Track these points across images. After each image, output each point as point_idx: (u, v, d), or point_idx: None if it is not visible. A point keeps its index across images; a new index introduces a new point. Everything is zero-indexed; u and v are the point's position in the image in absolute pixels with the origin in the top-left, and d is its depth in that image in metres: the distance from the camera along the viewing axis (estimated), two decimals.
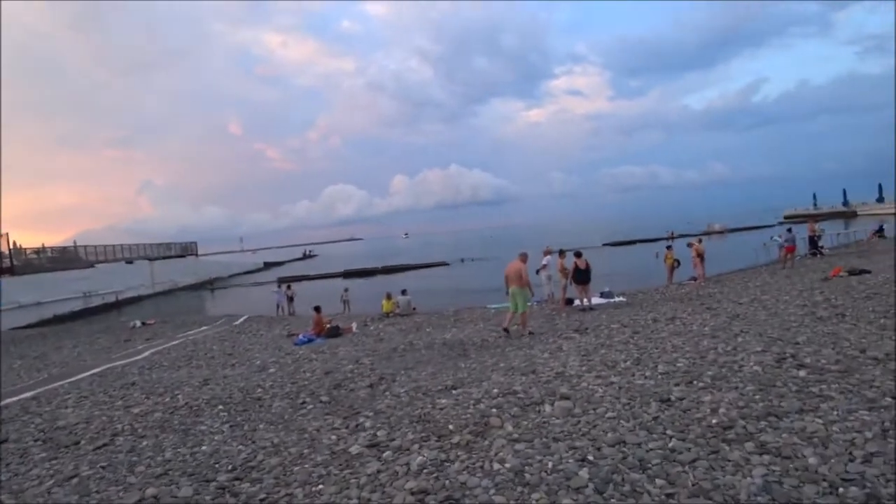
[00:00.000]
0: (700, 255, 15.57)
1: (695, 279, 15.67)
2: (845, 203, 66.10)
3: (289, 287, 22.21)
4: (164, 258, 41.35)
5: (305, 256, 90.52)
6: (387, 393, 6.04)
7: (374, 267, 47.95)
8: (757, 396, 4.19)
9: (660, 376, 5.10)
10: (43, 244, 33.54)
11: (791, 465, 3.01)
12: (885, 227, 26.55)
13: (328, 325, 12.34)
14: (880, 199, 62.10)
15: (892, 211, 48.33)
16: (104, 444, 5.58)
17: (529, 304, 10.25)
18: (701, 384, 4.68)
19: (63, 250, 33.95)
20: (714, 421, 3.74)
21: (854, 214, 58.73)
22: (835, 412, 3.71)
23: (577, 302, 12.49)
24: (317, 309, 13.41)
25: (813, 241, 19.32)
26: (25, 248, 30.99)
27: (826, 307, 8.28)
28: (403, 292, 16.12)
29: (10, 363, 13.07)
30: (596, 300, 12.93)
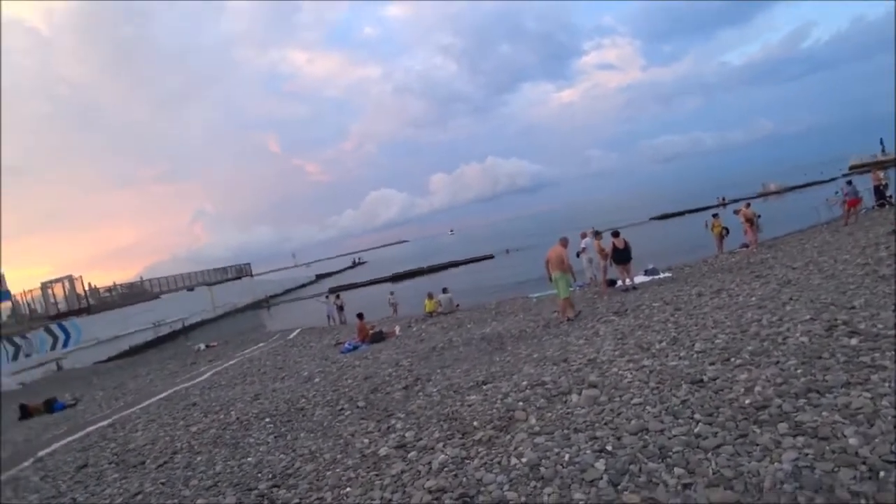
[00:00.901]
0: (749, 221, 14.66)
1: (746, 246, 14.81)
2: None
3: (338, 297, 22.77)
4: (222, 282, 43.56)
5: (356, 264, 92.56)
6: (420, 393, 6.13)
7: (421, 267, 48.39)
8: (799, 371, 3.92)
9: (695, 355, 4.88)
10: (114, 282, 36.23)
11: (827, 447, 2.75)
12: None
13: (372, 331, 12.58)
14: None
15: None
16: (165, 462, 6.02)
17: (571, 288, 10.06)
18: (738, 361, 4.44)
19: (131, 286, 36.58)
20: (747, 401, 3.52)
21: None
22: (886, 384, 3.37)
23: (619, 282, 12.11)
24: (360, 316, 13.69)
25: (879, 192, 17.73)
26: (99, 288, 33.60)
27: (891, 263, 7.60)
28: (444, 290, 16.17)
29: (93, 395, 14.17)
30: (639, 279, 12.49)
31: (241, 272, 49.19)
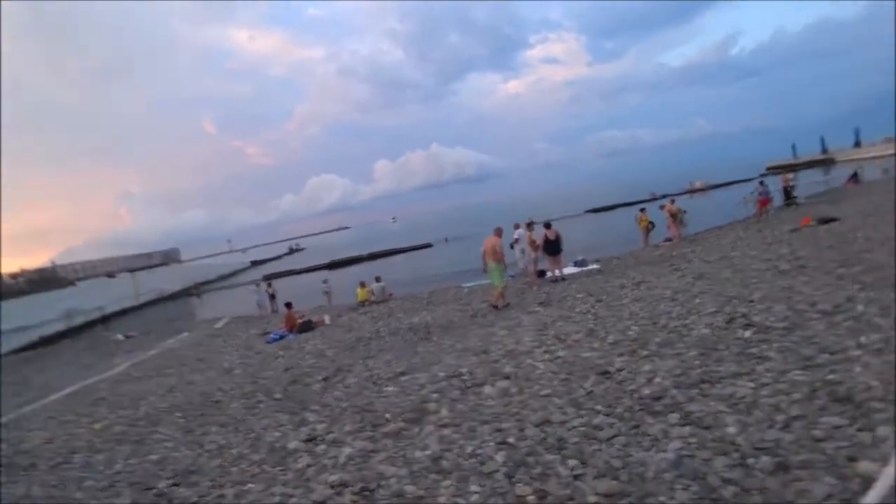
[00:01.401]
0: (673, 216, 15.52)
1: (669, 240, 15.66)
2: (823, 150, 66.13)
3: (269, 285, 21.93)
4: (146, 268, 40.83)
5: (292, 251, 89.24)
6: (339, 385, 5.99)
7: (359, 255, 47.52)
8: (697, 362, 4.14)
9: (608, 347, 5.07)
10: (21, 268, 33.01)
11: (709, 436, 2.91)
12: (859, 172, 26.58)
13: (300, 321, 12.21)
14: (857, 145, 61.98)
15: (869, 156, 48.31)
16: (60, 463, 5.54)
17: (505, 279, 10.20)
18: (645, 352, 4.64)
19: (41, 271, 33.43)
20: (646, 392, 3.68)
21: (832, 161, 58.84)
22: (769, 374, 3.63)
23: (548, 273, 12.41)
24: (288, 305, 13.26)
25: (787, 192, 19.35)
26: (3, 274, 30.55)
27: (790, 259, 8.25)
28: (377, 279, 15.98)
29: None
30: (569, 270, 12.85)
31: (167, 258, 46.50)
